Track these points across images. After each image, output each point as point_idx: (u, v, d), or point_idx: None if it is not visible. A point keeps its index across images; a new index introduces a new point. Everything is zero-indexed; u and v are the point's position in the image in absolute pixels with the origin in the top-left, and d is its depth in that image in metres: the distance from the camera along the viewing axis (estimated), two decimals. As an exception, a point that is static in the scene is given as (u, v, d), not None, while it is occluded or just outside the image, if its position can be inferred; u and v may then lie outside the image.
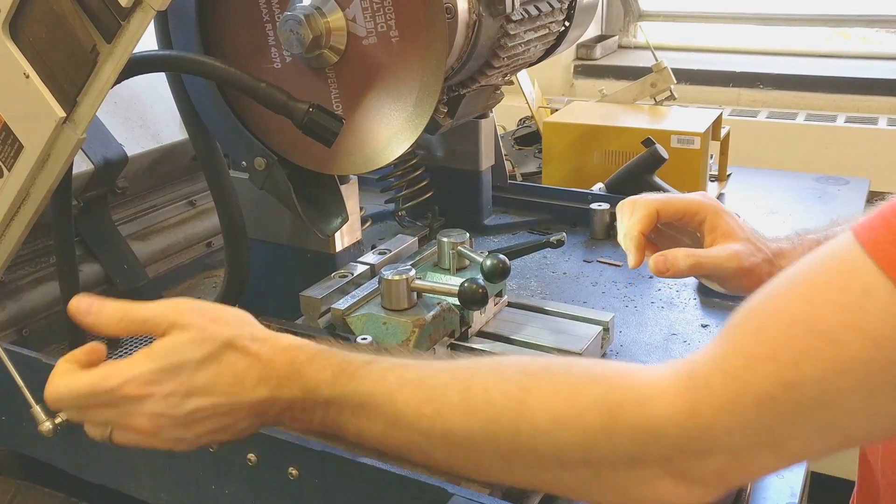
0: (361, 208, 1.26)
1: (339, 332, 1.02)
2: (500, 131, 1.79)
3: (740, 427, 0.56)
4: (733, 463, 0.58)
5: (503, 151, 1.67)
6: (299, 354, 0.70)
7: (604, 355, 1.12)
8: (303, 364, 0.70)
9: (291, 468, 0.82)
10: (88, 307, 0.71)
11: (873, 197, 2.21)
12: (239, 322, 0.71)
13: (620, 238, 0.95)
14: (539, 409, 0.62)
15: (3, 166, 0.91)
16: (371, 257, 1.18)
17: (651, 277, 1.39)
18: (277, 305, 1.13)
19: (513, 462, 0.64)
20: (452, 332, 1.05)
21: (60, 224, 1.01)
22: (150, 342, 0.68)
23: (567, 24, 1.33)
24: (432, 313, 1.00)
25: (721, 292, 1.01)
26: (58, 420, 0.95)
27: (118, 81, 0.85)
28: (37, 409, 0.93)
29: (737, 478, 0.61)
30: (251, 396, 0.68)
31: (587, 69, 2.82)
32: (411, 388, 0.67)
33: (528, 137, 2.12)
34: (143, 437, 0.69)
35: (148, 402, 0.67)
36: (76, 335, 1.06)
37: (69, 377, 0.70)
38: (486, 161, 1.56)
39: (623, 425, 0.59)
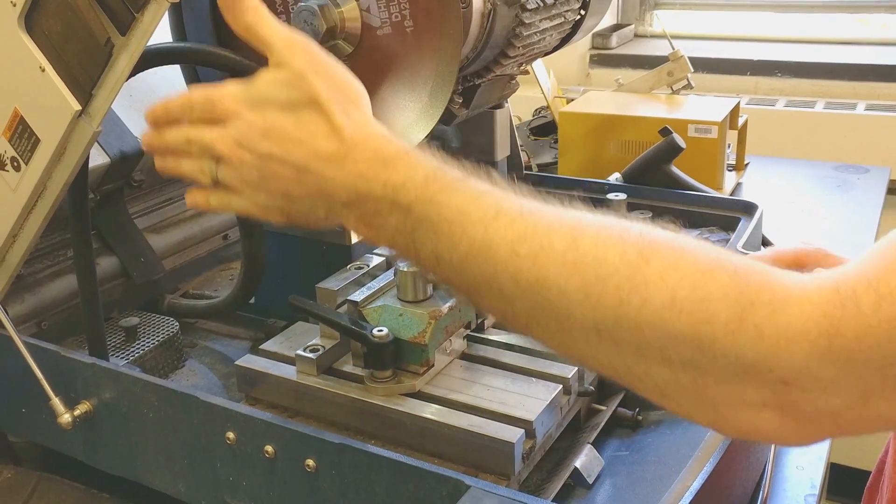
0: (377, 200, 1.26)
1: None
2: (515, 122, 1.78)
3: (882, 359, 0.48)
4: (858, 405, 0.50)
5: (519, 142, 1.66)
6: (389, 146, 0.64)
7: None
8: (391, 157, 0.63)
9: (309, 460, 0.82)
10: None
11: (894, 186, 2.18)
12: (343, 88, 0.66)
13: None
14: (656, 284, 0.53)
15: (20, 160, 0.91)
16: (386, 249, 1.18)
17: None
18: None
19: (604, 337, 0.55)
20: (468, 324, 1.05)
21: (77, 217, 1.01)
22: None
23: (583, 12, 1.32)
24: (448, 305, 1.00)
25: None
26: (76, 412, 0.96)
27: (133, 74, 0.85)
28: (56, 401, 0.94)
29: (853, 426, 0.52)
30: (321, 168, 0.63)
31: (603, 58, 2.80)
32: (509, 218, 0.58)
33: (544, 128, 2.11)
34: (229, 172, 0.67)
35: (234, 124, 0.66)
36: (94, 328, 1.07)
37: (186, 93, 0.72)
38: (502, 152, 1.55)
39: (750, 326, 0.50)
